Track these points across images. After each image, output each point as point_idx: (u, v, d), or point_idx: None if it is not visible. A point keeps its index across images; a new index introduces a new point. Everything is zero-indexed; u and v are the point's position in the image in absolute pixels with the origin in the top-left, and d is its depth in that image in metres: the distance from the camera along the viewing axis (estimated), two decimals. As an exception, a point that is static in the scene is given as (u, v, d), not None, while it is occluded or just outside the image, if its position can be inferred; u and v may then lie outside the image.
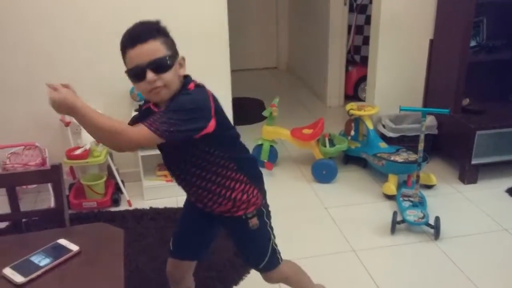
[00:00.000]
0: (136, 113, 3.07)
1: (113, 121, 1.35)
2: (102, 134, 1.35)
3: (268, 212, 1.73)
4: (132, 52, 1.37)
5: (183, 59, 1.50)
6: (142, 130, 1.35)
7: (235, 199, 1.61)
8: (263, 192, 1.71)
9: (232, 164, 1.56)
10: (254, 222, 1.67)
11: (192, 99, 1.43)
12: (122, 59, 1.43)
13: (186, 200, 1.80)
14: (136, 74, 1.38)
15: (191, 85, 1.49)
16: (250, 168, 1.66)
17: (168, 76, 1.39)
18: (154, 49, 1.37)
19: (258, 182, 1.68)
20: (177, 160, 1.57)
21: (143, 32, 1.39)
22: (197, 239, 1.83)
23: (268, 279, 1.84)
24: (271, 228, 1.74)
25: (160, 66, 1.37)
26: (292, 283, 1.92)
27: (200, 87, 1.51)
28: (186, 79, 1.52)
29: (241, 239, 1.77)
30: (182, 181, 1.62)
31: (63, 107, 1.29)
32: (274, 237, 1.76)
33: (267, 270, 1.78)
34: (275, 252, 1.77)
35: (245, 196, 1.62)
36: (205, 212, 1.69)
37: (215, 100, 1.50)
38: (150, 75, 1.36)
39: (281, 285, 2.28)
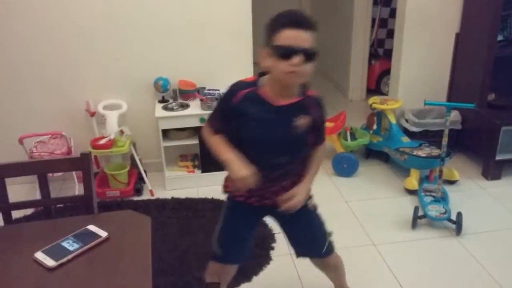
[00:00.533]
0: (161, 104, 3.14)
1: (317, 160, 1.70)
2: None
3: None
4: (290, 33, 1.41)
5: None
6: (325, 143, 1.71)
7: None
8: None
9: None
10: (312, 204, 1.77)
11: None
12: (268, 34, 1.45)
13: (233, 205, 1.76)
14: (285, 53, 1.41)
15: (312, 91, 1.61)
16: None
17: (309, 67, 1.44)
18: (309, 39, 1.43)
19: None
20: (292, 145, 1.60)
21: (306, 20, 1.44)
22: (247, 242, 1.83)
23: (325, 265, 1.94)
24: None
25: (309, 55, 1.43)
26: (341, 272, 2.01)
27: None
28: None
29: (304, 225, 1.79)
30: (274, 176, 1.63)
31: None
32: None
33: (329, 253, 1.86)
34: (330, 235, 1.85)
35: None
36: (261, 210, 1.74)
37: None
38: (298, 59, 1.40)
39: (301, 275, 2.30)
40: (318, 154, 1.68)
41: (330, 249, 1.86)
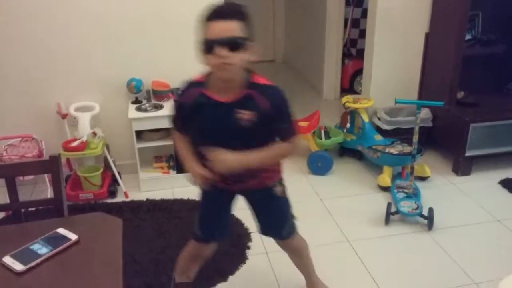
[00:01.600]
0: (135, 105, 3.11)
1: (276, 149, 1.64)
2: (277, 161, 1.76)
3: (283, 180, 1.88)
4: (212, 25, 1.43)
5: (256, 47, 1.54)
6: (295, 140, 1.64)
7: (273, 169, 1.78)
8: None
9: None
10: (279, 189, 1.83)
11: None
12: (199, 30, 1.49)
13: (207, 188, 1.78)
14: (209, 46, 1.44)
15: (263, 79, 1.59)
16: None
17: (238, 57, 1.45)
18: (233, 28, 1.43)
19: None
20: (244, 140, 1.60)
21: (228, 10, 1.45)
22: (224, 219, 1.94)
23: (286, 246, 1.99)
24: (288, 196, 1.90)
25: (234, 45, 1.43)
26: (303, 256, 2.06)
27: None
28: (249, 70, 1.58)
29: (267, 208, 1.88)
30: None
31: (238, 169, 1.59)
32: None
33: (289, 236, 1.93)
34: (294, 218, 1.93)
35: (276, 166, 1.80)
36: (230, 192, 1.82)
37: None
38: (220, 49, 1.42)
39: (276, 273, 2.32)
40: (281, 145, 1.64)
41: (290, 232, 1.93)
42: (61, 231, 1.42)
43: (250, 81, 1.55)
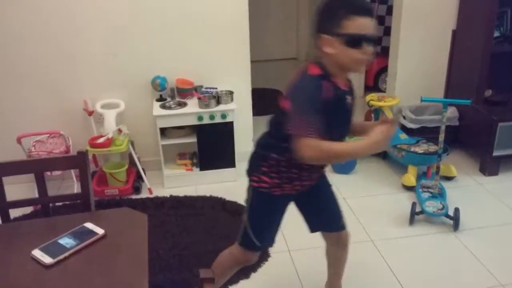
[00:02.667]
0: (159, 102, 3.14)
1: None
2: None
3: None
4: (361, 21, 1.40)
5: None
6: None
7: None
8: None
9: None
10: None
11: None
12: (331, 22, 1.42)
13: (267, 199, 1.72)
14: (358, 41, 1.41)
15: None
16: None
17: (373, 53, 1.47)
18: (375, 26, 1.44)
19: None
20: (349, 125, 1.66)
21: (371, 7, 1.46)
22: (279, 227, 1.83)
23: (339, 239, 1.93)
24: None
25: (375, 42, 1.46)
26: (345, 255, 2.02)
27: None
28: None
29: (324, 198, 1.85)
30: None
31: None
32: None
33: (344, 227, 1.90)
34: None
35: None
36: (292, 197, 1.76)
37: None
38: (371, 47, 1.43)
39: (299, 271, 2.31)
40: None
41: (345, 223, 1.91)
42: (88, 225, 1.44)
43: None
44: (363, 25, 1.40)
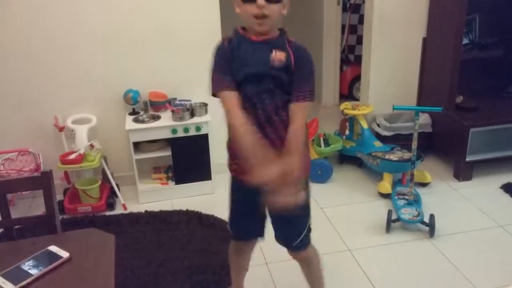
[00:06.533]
0: (132, 116, 3.09)
1: (295, 137, 1.56)
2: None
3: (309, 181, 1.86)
4: None
5: (288, 1, 1.59)
6: (306, 108, 1.58)
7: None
8: None
9: None
10: (302, 194, 1.71)
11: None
12: None
13: (235, 184, 1.79)
14: None
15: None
16: None
17: (275, 8, 1.50)
18: None
19: None
20: (274, 85, 1.59)
21: None
22: (253, 217, 1.83)
23: (297, 257, 1.91)
24: None
25: None
26: (313, 269, 2.01)
27: None
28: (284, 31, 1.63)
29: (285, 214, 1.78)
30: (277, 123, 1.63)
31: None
32: None
33: (299, 248, 1.86)
34: (310, 231, 1.91)
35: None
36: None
37: None
38: (261, 0, 1.46)
39: (276, 284, 2.28)
40: (294, 132, 1.56)
41: (302, 245, 1.85)
42: (53, 248, 1.39)
43: (284, 39, 1.59)
44: None
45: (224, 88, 1.54)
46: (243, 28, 1.61)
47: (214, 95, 1.60)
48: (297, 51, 1.58)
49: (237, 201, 1.84)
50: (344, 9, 4.68)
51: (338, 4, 4.57)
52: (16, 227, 1.63)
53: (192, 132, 3.07)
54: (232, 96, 1.54)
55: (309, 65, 1.60)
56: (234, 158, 1.70)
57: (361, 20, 4.50)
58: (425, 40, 3.59)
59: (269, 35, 1.57)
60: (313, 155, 3.41)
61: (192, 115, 3.10)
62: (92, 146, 2.99)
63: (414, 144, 2.68)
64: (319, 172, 3.34)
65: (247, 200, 1.70)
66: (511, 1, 3.30)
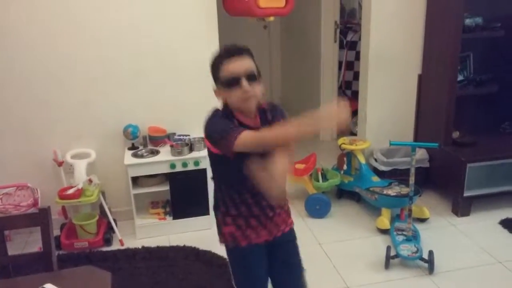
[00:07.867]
0: (131, 151, 3.11)
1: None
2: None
3: None
4: (229, 63, 1.54)
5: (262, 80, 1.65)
6: None
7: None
8: None
9: None
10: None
11: None
12: (213, 73, 1.62)
13: (239, 254, 1.76)
14: (232, 81, 1.53)
15: (265, 103, 1.71)
16: None
17: (258, 87, 1.58)
18: (247, 63, 1.56)
19: None
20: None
21: (237, 48, 1.58)
22: (266, 280, 1.82)
23: None
24: None
25: (252, 76, 1.55)
26: None
27: None
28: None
29: (293, 256, 1.82)
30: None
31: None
32: None
33: None
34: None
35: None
36: (263, 248, 1.74)
37: None
38: (245, 83, 1.52)
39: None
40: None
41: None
42: (49, 287, 1.38)
43: (258, 107, 1.65)
44: (232, 66, 1.53)
45: (240, 133, 1.50)
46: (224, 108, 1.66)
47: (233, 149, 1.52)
48: (275, 112, 1.70)
49: (254, 269, 1.77)
50: (341, 46, 4.78)
51: (335, 41, 4.67)
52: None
53: (191, 167, 3.08)
54: (247, 131, 1.51)
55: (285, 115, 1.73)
56: (233, 220, 1.70)
57: (357, 57, 4.58)
58: (420, 77, 3.65)
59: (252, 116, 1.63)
60: (311, 190, 3.41)
61: (191, 149, 3.12)
62: (90, 181, 3.00)
63: (412, 180, 2.69)
64: (317, 207, 3.33)
65: (260, 260, 1.74)
66: (504, 38, 3.38)
